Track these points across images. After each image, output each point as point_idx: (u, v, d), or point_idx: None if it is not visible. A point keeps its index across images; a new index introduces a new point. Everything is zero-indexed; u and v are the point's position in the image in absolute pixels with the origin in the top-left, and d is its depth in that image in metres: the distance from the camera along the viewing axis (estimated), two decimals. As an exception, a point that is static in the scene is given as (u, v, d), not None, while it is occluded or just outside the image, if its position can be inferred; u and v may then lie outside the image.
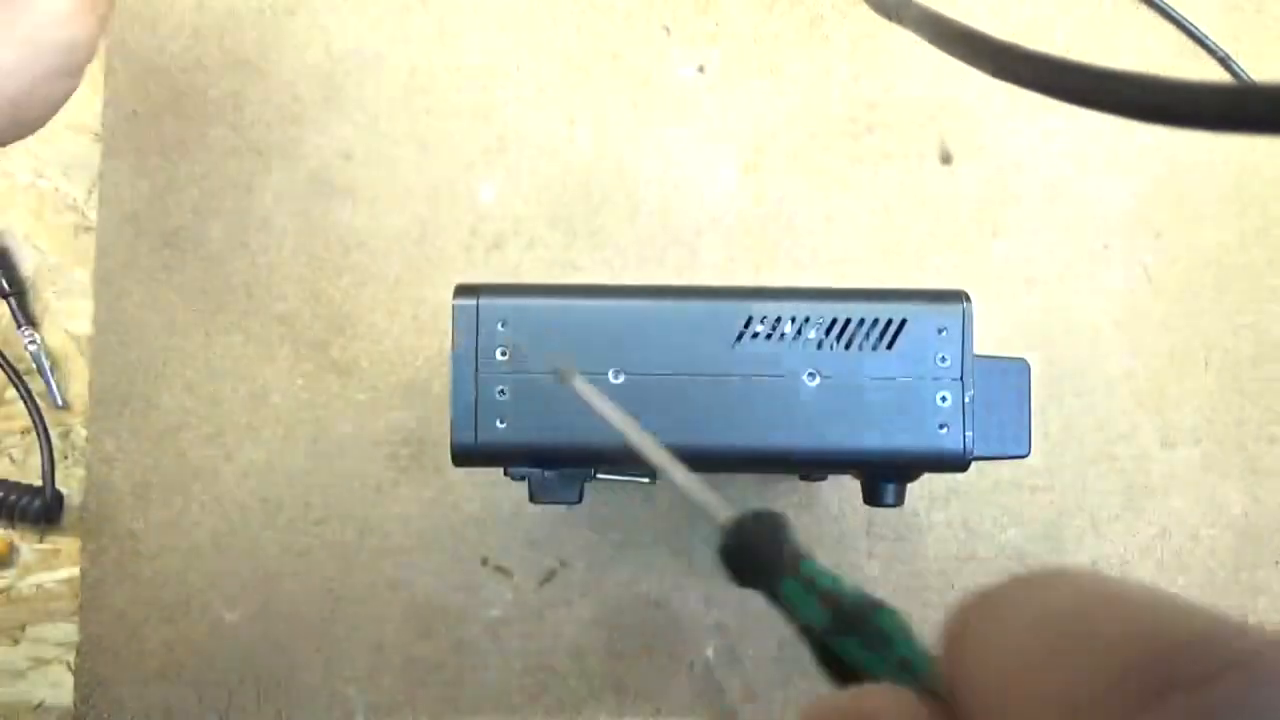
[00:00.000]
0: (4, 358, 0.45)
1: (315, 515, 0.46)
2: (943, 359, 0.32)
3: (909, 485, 0.36)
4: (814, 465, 0.36)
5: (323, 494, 0.46)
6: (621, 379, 0.32)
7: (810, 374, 0.32)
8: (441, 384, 0.46)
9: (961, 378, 0.33)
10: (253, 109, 0.47)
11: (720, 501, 0.17)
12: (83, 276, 0.46)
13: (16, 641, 0.46)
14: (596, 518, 0.46)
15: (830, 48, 0.47)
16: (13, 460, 0.46)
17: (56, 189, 0.46)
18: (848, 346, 0.32)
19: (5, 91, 0.32)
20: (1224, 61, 0.47)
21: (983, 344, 0.34)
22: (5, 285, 0.45)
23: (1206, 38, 0.47)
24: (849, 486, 0.43)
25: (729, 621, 0.46)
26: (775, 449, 0.32)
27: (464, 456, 0.33)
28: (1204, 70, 0.47)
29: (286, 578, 0.46)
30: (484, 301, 0.32)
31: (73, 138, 0.46)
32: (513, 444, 0.33)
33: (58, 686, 0.46)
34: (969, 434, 0.32)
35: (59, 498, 0.45)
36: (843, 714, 0.13)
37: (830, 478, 0.44)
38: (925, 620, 0.47)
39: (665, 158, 0.47)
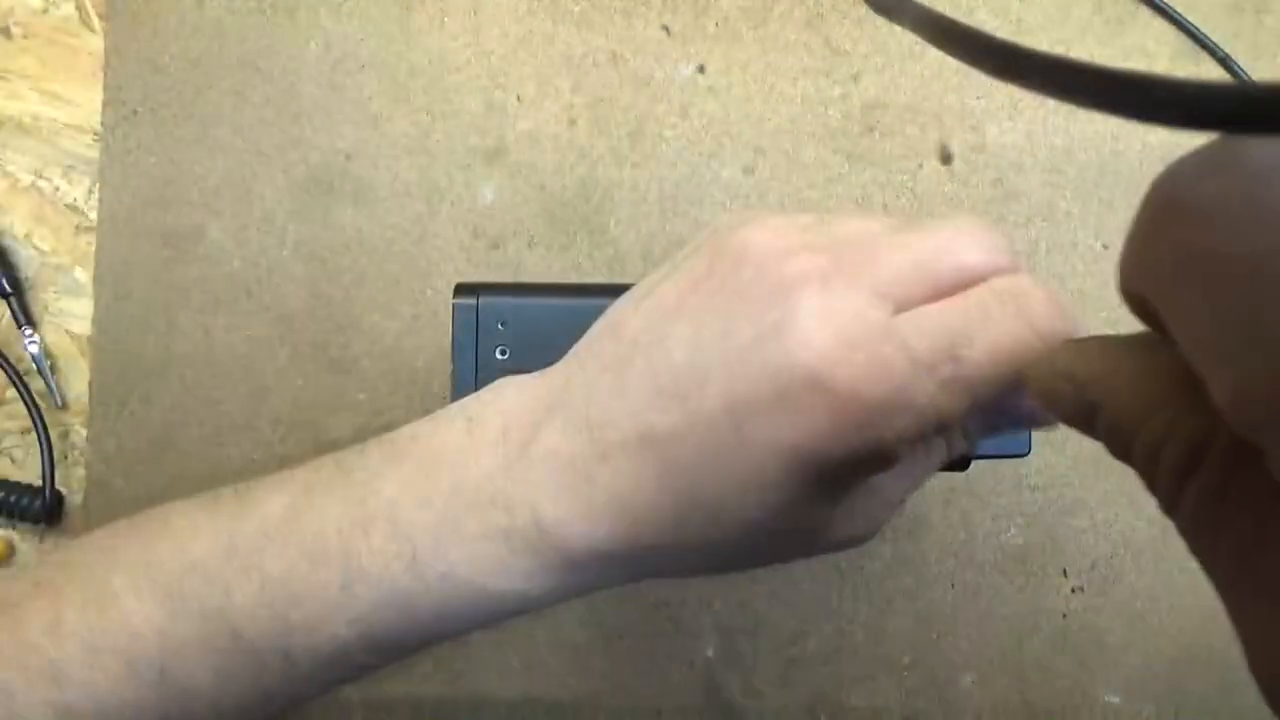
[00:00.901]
0: (4, 358, 0.45)
1: (315, 515, 0.46)
2: (943, 359, 0.32)
3: (909, 485, 0.36)
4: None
5: (323, 494, 0.46)
6: (622, 379, 0.32)
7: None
8: (441, 383, 0.46)
9: (962, 378, 0.33)
10: (253, 109, 0.47)
11: None
12: (83, 276, 0.46)
13: (16, 641, 0.46)
14: (596, 518, 0.46)
15: (830, 48, 0.47)
16: (13, 460, 0.46)
17: (56, 189, 0.46)
18: (848, 346, 0.32)
19: None
20: (1224, 61, 0.47)
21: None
22: (5, 285, 0.45)
23: (1206, 38, 0.47)
24: (849, 486, 0.43)
25: (729, 621, 0.46)
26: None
27: (465, 456, 0.33)
28: (1204, 70, 0.47)
29: (286, 578, 0.46)
30: (484, 301, 0.32)
31: (73, 138, 0.46)
32: (513, 444, 0.33)
33: (58, 686, 0.46)
34: (969, 434, 0.32)
35: (59, 498, 0.45)
36: None
37: (830, 478, 0.44)
38: (923, 620, 0.47)
39: (665, 158, 0.47)
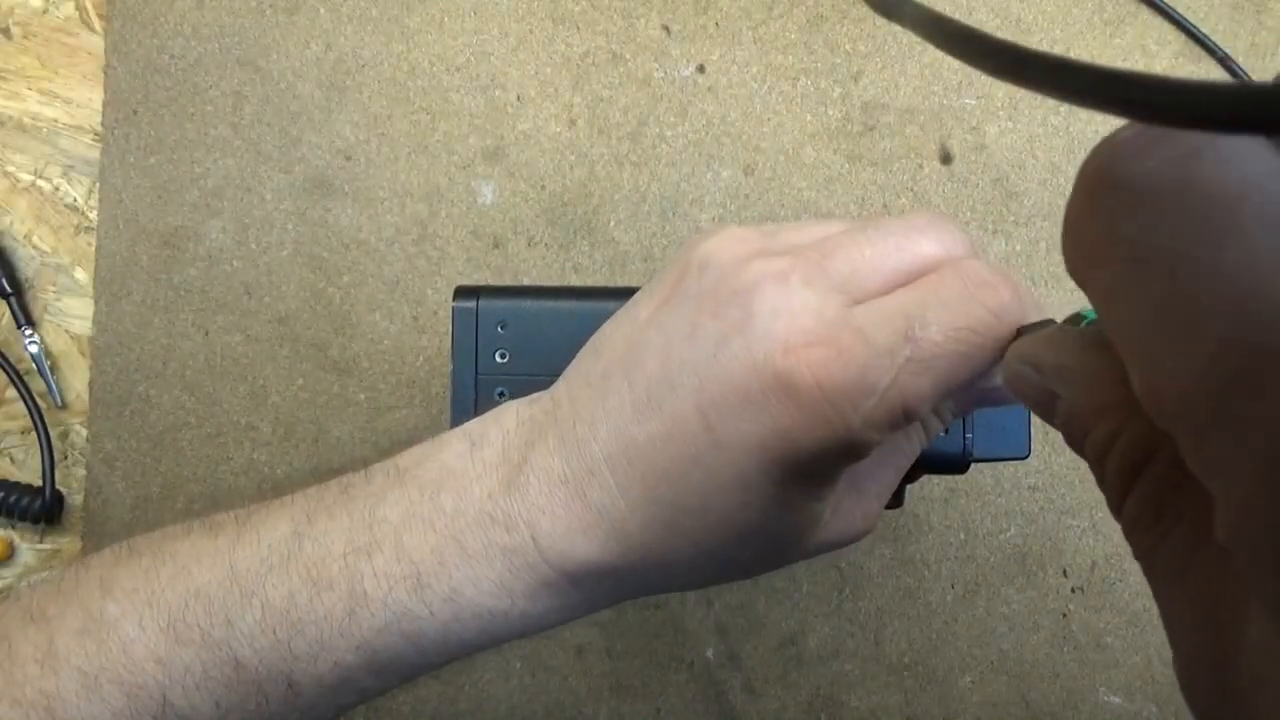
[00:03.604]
0: (4, 358, 0.45)
1: (315, 515, 0.46)
2: (943, 359, 0.32)
3: (909, 486, 0.36)
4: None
5: (323, 494, 0.46)
6: (622, 379, 0.32)
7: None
8: (441, 384, 0.46)
9: (962, 378, 0.33)
10: (253, 109, 0.47)
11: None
12: (83, 276, 0.46)
13: (16, 642, 0.46)
14: (596, 518, 0.46)
15: (830, 48, 0.47)
16: (13, 460, 0.46)
17: (56, 189, 0.46)
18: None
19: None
20: (1224, 61, 0.47)
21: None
22: (5, 285, 0.45)
23: (1207, 38, 0.47)
24: (849, 487, 0.43)
25: (729, 621, 0.46)
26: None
27: (465, 457, 0.33)
28: (1204, 70, 0.47)
29: (286, 578, 0.46)
30: (484, 303, 0.32)
31: (73, 138, 0.46)
32: (513, 444, 0.33)
33: (57, 687, 0.46)
34: (969, 436, 0.32)
35: (59, 498, 0.45)
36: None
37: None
38: (923, 620, 0.47)
39: (665, 158, 0.47)
